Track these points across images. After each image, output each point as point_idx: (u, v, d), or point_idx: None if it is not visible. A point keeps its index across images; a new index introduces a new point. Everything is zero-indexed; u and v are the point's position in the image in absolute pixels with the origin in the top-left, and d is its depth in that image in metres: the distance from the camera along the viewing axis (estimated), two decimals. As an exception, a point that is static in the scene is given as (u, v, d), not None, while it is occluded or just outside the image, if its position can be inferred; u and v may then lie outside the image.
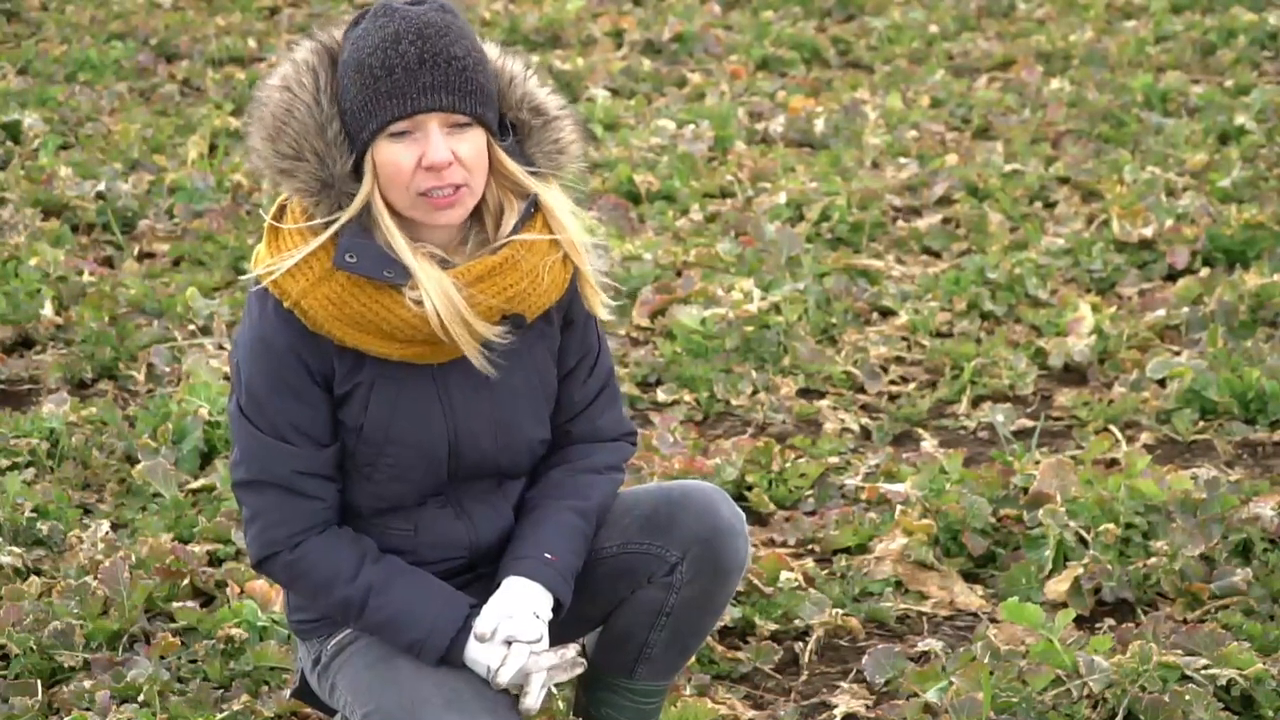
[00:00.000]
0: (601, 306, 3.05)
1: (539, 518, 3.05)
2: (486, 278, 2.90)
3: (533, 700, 2.94)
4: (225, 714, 3.57)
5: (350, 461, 3.00)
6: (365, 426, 2.96)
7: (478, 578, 3.09)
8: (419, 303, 2.86)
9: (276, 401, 2.94)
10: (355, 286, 2.87)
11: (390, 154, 2.85)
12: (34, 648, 3.77)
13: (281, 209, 2.95)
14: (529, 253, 2.93)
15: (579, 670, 2.99)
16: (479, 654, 2.94)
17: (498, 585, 3.00)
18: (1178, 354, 5.42)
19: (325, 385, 2.96)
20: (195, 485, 4.59)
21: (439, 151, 2.84)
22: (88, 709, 3.59)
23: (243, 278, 3.38)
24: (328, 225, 2.87)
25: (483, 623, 2.94)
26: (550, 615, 2.98)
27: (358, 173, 2.88)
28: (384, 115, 2.83)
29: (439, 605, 2.97)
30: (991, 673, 3.54)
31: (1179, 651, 3.66)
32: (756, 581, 4.04)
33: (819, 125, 7.77)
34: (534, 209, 2.95)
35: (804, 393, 5.32)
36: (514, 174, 2.93)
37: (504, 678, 2.93)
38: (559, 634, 3.03)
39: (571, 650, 2.97)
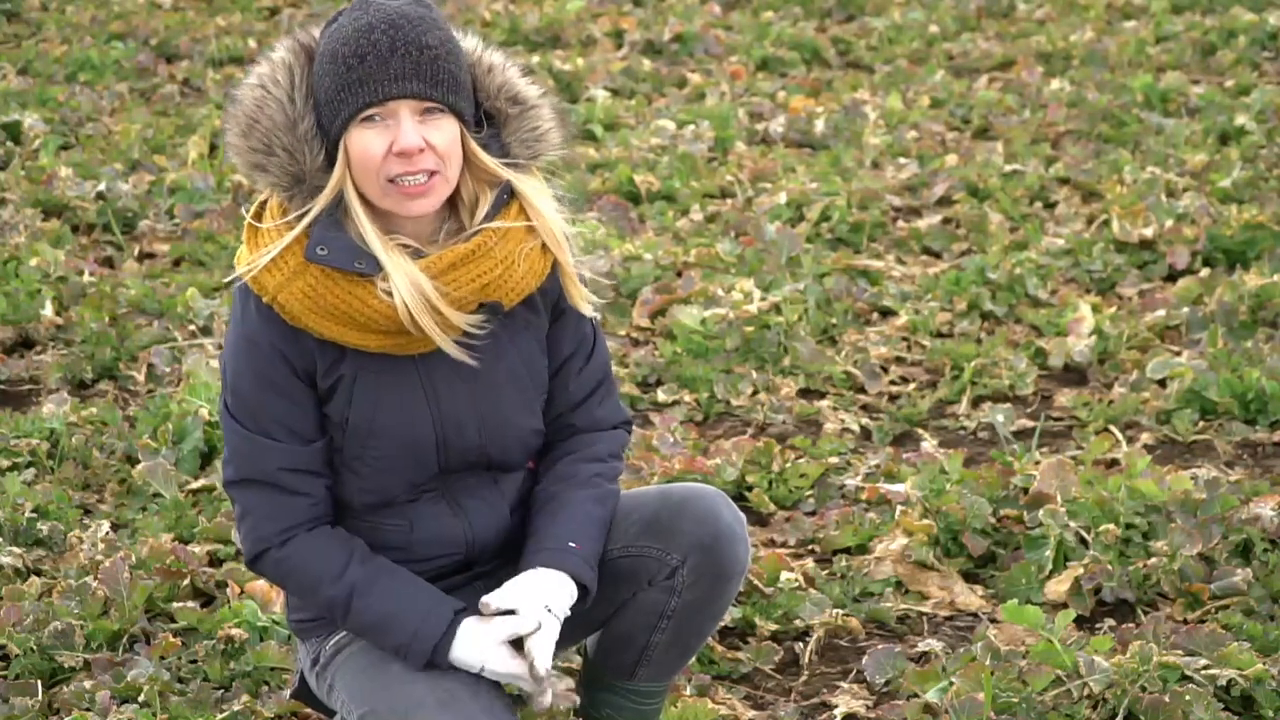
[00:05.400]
0: (584, 302, 3.04)
1: (557, 507, 3.05)
2: (458, 265, 2.91)
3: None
4: (225, 714, 3.57)
5: (338, 456, 3.01)
6: (350, 419, 2.97)
7: (476, 577, 3.09)
8: (390, 294, 2.87)
9: (261, 398, 2.95)
10: (328, 279, 2.88)
11: (361, 140, 2.86)
12: (34, 648, 3.77)
13: (261, 208, 2.96)
14: (502, 240, 2.93)
15: (566, 704, 3.00)
16: (465, 654, 2.94)
17: (519, 572, 2.99)
18: (1178, 354, 5.42)
19: (309, 380, 2.96)
20: (195, 485, 4.59)
21: (410, 137, 2.85)
22: (88, 709, 3.59)
23: (227, 279, 3.40)
24: (301, 219, 2.89)
25: (494, 597, 2.92)
26: (567, 610, 2.97)
27: (331, 165, 2.89)
28: (356, 102, 2.85)
29: (424, 609, 2.96)
30: (992, 673, 3.54)
31: (1179, 652, 3.66)
32: (757, 582, 4.04)
33: (819, 125, 7.76)
34: (508, 197, 2.95)
35: (804, 393, 5.32)
36: (487, 165, 2.93)
37: (491, 669, 2.93)
38: (561, 637, 3.03)
39: (564, 684, 2.98)
